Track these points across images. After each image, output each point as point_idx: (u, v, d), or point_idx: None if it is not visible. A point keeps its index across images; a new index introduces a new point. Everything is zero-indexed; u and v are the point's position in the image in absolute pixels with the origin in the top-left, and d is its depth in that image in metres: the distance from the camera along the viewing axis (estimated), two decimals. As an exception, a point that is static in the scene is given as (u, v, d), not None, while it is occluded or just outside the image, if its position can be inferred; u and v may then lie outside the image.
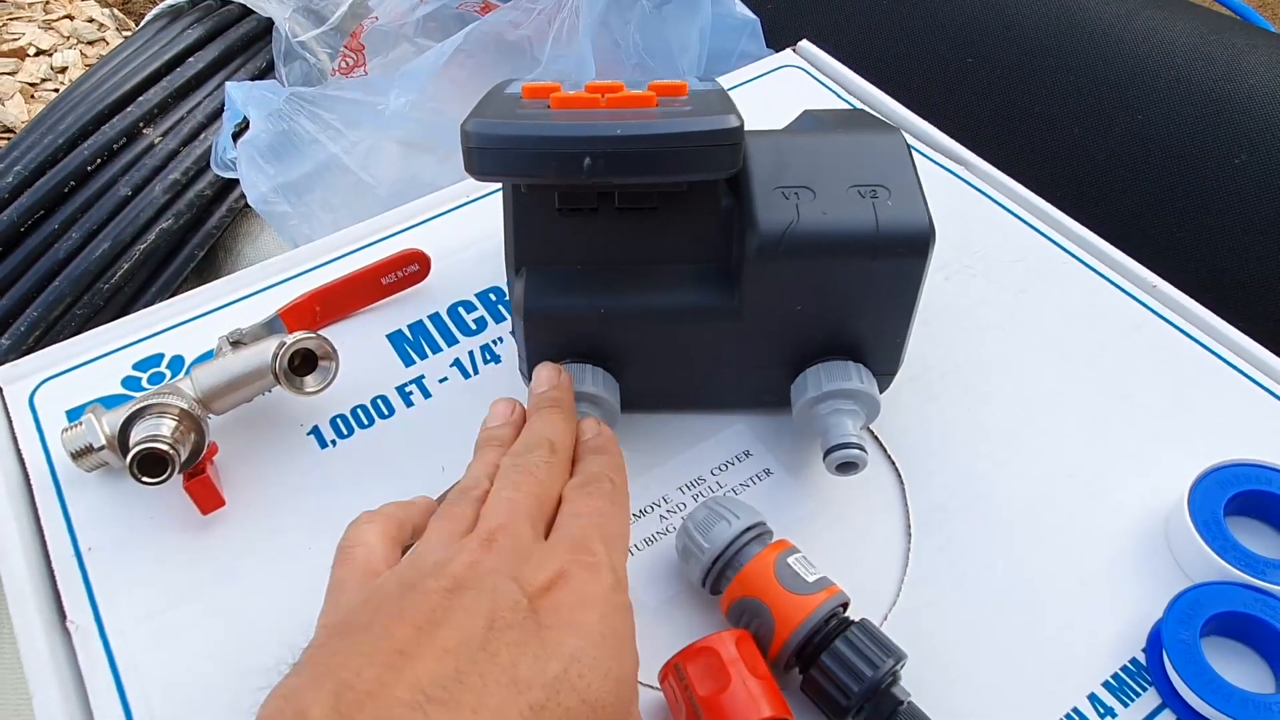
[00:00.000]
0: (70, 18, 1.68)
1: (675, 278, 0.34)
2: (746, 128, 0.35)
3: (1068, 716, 0.31)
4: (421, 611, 0.23)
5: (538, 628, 0.23)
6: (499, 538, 0.26)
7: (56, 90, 1.57)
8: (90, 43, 1.66)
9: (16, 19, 1.68)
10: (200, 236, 0.65)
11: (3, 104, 1.52)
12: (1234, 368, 0.40)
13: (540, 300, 0.33)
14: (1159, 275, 0.42)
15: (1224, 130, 0.50)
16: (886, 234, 0.31)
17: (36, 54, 1.62)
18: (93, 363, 0.40)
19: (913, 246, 0.31)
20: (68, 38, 1.66)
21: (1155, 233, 0.52)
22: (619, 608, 0.25)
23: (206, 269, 0.69)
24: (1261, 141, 0.49)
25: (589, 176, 0.28)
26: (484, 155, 0.28)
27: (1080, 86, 0.55)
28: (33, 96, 1.55)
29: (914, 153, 0.49)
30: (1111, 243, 0.44)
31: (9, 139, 1.46)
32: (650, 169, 0.28)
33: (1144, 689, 0.31)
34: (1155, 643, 0.31)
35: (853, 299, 0.33)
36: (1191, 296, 0.42)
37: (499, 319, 0.42)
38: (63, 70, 1.61)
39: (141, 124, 0.65)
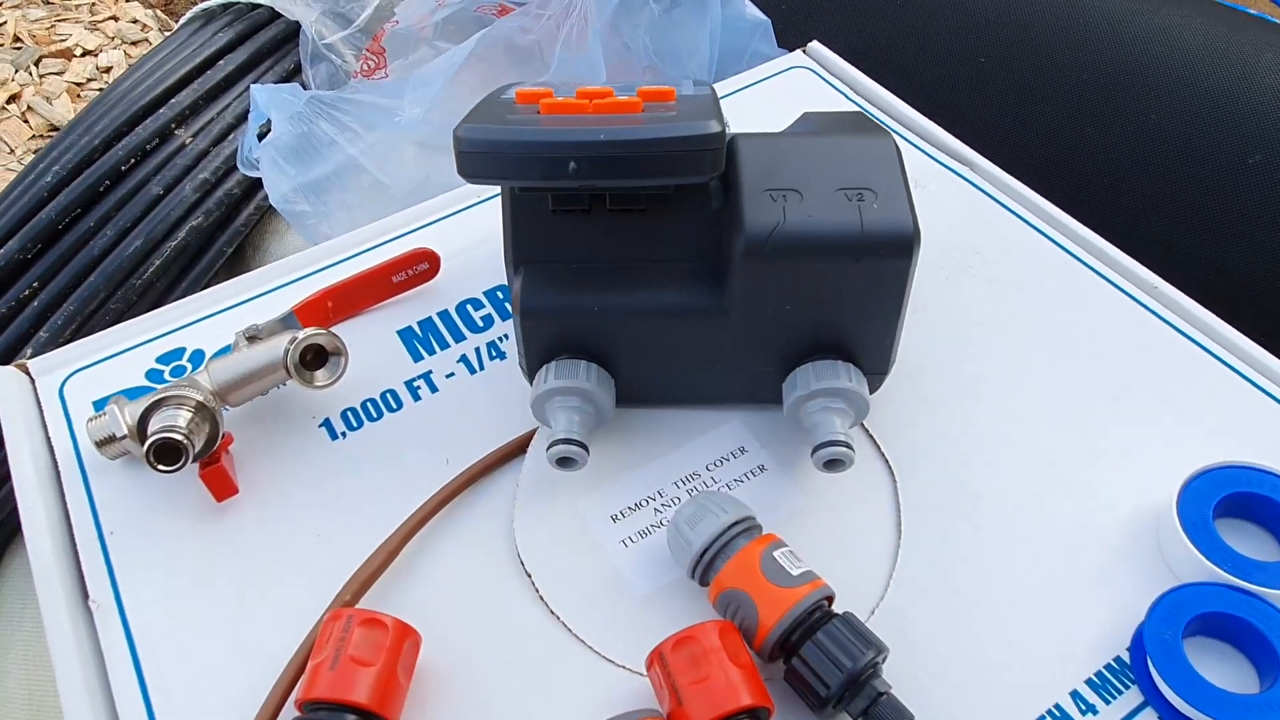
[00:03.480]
0: (115, 19, 1.73)
1: (667, 277, 0.35)
2: (752, 129, 0.35)
3: (1049, 712, 0.31)
4: None
5: None
6: None
7: (101, 89, 1.62)
8: (134, 43, 1.71)
9: (64, 20, 1.74)
10: (229, 234, 0.67)
11: (50, 103, 1.57)
12: (1232, 369, 0.40)
13: (536, 298, 0.34)
14: (1170, 275, 0.42)
15: (1238, 129, 0.50)
16: (870, 236, 0.32)
17: (83, 54, 1.67)
18: (118, 356, 0.42)
19: (896, 248, 0.32)
20: (113, 38, 1.71)
21: (1167, 232, 0.52)
22: None
23: (235, 265, 0.72)
24: (1277, 140, 0.49)
25: (574, 179, 0.29)
26: (474, 159, 0.29)
27: (1093, 85, 0.54)
28: (79, 96, 1.60)
29: (905, 148, 0.49)
30: (1122, 242, 0.44)
31: (54, 136, 1.51)
32: (633, 172, 0.29)
33: (1127, 687, 0.31)
34: (1139, 642, 0.32)
35: (839, 300, 0.34)
36: (1201, 296, 0.42)
37: (506, 316, 0.44)
38: (107, 70, 1.66)
39: (173, 125, 0.68)
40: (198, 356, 0.42)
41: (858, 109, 0.52)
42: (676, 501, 0.37)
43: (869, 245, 0.32)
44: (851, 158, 0.34)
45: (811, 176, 0.33)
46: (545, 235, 0.34)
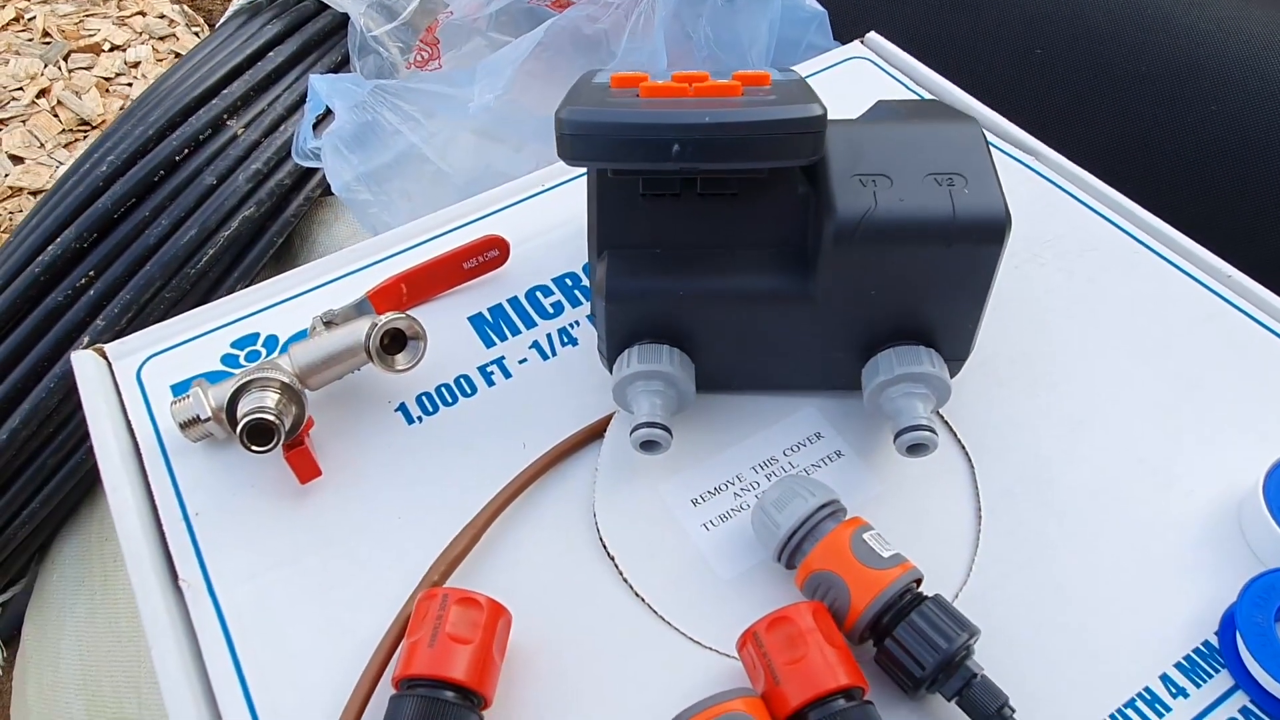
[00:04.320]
0: (142, 14, 1.74)
1: (752, 262, 0.35)
2: (835, 120, 0.35)
3: (1140, 695, 0.31)
4: None
5: None
6: None
7: (130, 85, 1.63)
8: (161, 38, 1.72)
9: (92, 15, 1.75)
10: (279, 224, 0.68)
11: (79, 97, 1.58)
12: (1311, 357, 0.40)
13: (621, 282, 0.35)
14: (1238, 264, 0.42)
15: (1301, 119, 0.49)
16: (963, 221, 0.32)
17: (111, 49, 1.68)
18: (194, 340, 0.43)
19: (989, 233, 0.32)
20: (140, 33, 1.72)
21: (1229, 223, 0.52)
22: None
23: (283, 255, 0.72)
24: (1341, 131, 0.49)
25: (677, 162, 0.29)
26: (577, 141, 0.29)
27: (1151, 76, 0.54)
28: (108, 90, 1.61)
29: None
30: (1188, 231, 0.44)
31: (85, 131, 1.52)
32: (737, 155, 0.29)
33: (1216, 671, 0.31)
34: (1228, 626, 0.32)
35: (927, 285, 0.34)
36: (1272, 285, 0.42)
37: (575, 303, 0.44)
38: (135, 65, 1.67)
39: (225, 116, 0.68)
40: (271, 341, 0.43)
41: (925, 98, 0.52)
42: (755, 486, 0.37)
43: (961, 230, 0.32)
44: (939, 143, 0.34)
45: (900, 162, 0.33)
46: (631, 220, 0.35)
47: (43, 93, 1.61)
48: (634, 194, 0.34)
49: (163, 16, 1.76)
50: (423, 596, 0.31)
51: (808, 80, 0.53)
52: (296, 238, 0.72)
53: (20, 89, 1.63)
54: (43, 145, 1.55)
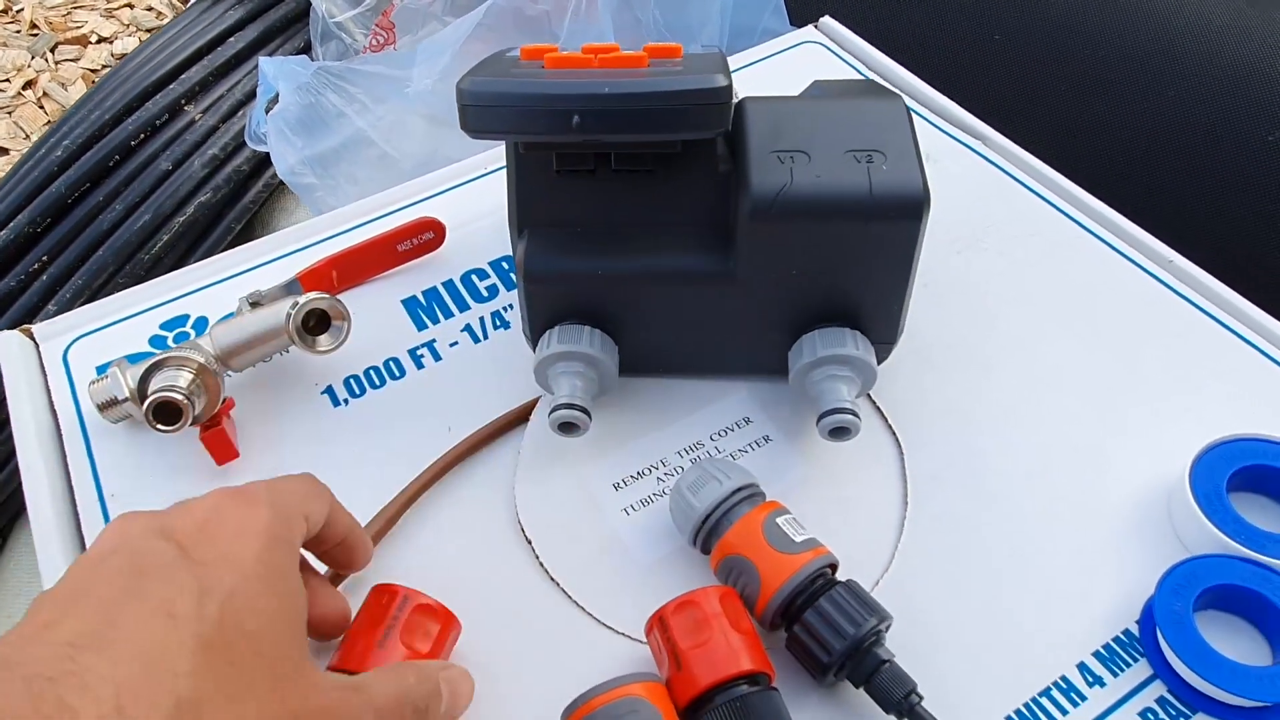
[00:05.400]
0: (130, 6, 1.74)
1: (673, 241, 0.34)
2: (760, 96, 0.35)
3: (1055, 684, 0.30)
4: (73, 585, 0.23)
5: (190, 564, 0.23)
6: (169, 510, 0.26)
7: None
8: (148, 30, 1.71)
9: (80, 7, 1.75)
10: (237, 210, 0.67)
11: (65, 89, 1.58)
12: (1248, 342, 0.39)
13: (540, 261, 0.34)
14: (1185, 252, 0.42)
15: (1258, 106, 0.49)
16: (880, 197, 0.31)
17: (98, 41, 1.68)
18: (122, 322, 0.42)
19: (906, 210, 0.31)
20: (127, 25, 1.72)
21: (1183, 209, 0.51)
22: (277, 541, 0.25)
23: (243, 242, 0.72)
24: (1298, 117, 0.48)
25: (578, 133, 0.28)
26: (478, 113, 0.29)
27: (1108, 63, 0.53)
28: (94, 82, 1.61)
29: (917, 122, 0.48)
30: (1139, 220, 0.43)
31: (65, 111, 1.52)
32: (638, 126, 0.28)
33: (1135, 660, 0.31)
34: (1148, 615, 0.31)
35: (848, 264, 0.33)
36: (1219, 274, 0.41)
37: (510, 286, 0.43)
38: (122, 57, 1.66)
39: (183, 101, 0.68)
40: (201, 323, 0.42)
41: (869, 78, 0.51)
42: (680, 471, 0.36)
43: (878, 207, 0.31)
44: (861, 120, 0.33)
45: (820, 138, 0.33)
46: (550, 198, 0.34)
47: (29, 84, 1.61)
48: (551, 171, 0.33)
49: (150, 9, 1.76)
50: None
51: (756, 64, 0.53)
52: (258, 225, 0.71)
53: (7, 80, 1.62)
54: (29, 137, 1.54)
